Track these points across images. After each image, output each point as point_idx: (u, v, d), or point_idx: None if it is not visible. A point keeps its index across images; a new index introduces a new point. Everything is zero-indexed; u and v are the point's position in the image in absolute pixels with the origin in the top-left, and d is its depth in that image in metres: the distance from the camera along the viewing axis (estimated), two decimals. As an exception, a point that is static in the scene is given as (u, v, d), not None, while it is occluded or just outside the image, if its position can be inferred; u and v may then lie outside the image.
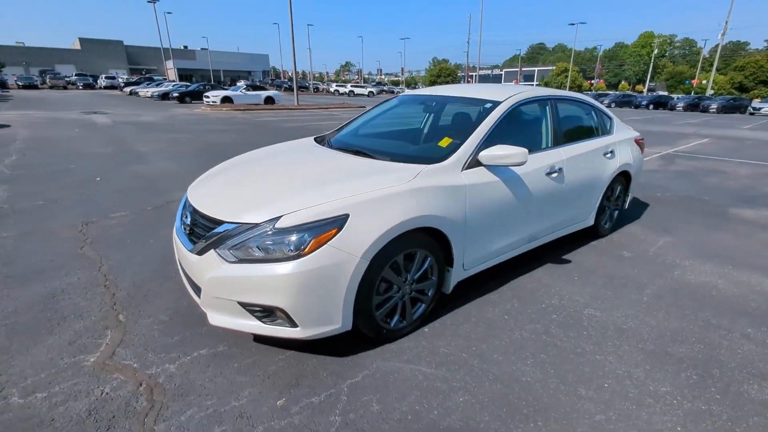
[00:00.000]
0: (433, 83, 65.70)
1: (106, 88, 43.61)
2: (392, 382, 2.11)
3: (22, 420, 1.83)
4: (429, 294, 2.56)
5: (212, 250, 2.10)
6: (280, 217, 2.03)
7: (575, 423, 1.88)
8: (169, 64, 63.61)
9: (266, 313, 2.06)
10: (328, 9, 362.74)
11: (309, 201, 2.11)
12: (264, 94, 23.69)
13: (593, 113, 3.95)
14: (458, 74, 74.70)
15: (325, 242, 1.99)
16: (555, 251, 3.75)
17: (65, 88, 43.78)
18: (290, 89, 50.37)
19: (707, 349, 2.42)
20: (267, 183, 2.45)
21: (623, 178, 4.17)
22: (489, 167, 2.69)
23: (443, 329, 2.57)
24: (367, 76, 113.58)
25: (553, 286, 3.15)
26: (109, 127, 12.67)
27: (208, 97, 22.28)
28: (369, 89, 49.62)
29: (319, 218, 2.03)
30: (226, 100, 22.33)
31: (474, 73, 65.12)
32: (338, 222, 2.04)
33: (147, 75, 49.54)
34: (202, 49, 68.87)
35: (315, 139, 3.46)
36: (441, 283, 2.62)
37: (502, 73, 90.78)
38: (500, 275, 3.27)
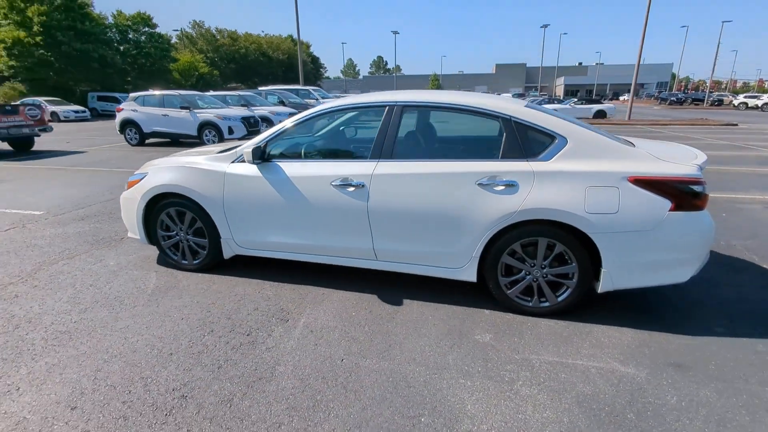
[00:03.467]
0: None
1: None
2: (118, 280, 3.26)
3: (99, 232, 4.43)
4: (205, 250, 3.31)
5: None
6: (138, 170, 3.59)
7: None
8: (560, 80, 66.63)
9: (128, 220, 3.71)
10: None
11: (152, 163, 3.52)
12: (595, 107, 21.61)
13: (511, 126, 2.57)
14: None
15: (133, 186, 3.38)
16: (412, 294, 2.99)
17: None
18: (677, 102, 41.33)
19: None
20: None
21: (570, 235, 2.44)
22: (258, 164, 2.98)
23: (194, 280, 3.26)
24: None
25: (300, 305, 2.85)
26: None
27: (537, 110, 23.06)
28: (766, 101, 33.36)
29: (137, 172, 3.43)
30: (553, 113, 22.20)
31: None
32: (142, 176, 3.36)
33: (519, 93, 54.32)
34: (596, 63, 67.14)
35: None
36: (217, 248, 3.26)
37: None
38: (304, 281, 3.23)
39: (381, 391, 2.02)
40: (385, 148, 2.77)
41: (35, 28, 30.25)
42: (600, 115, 21.48)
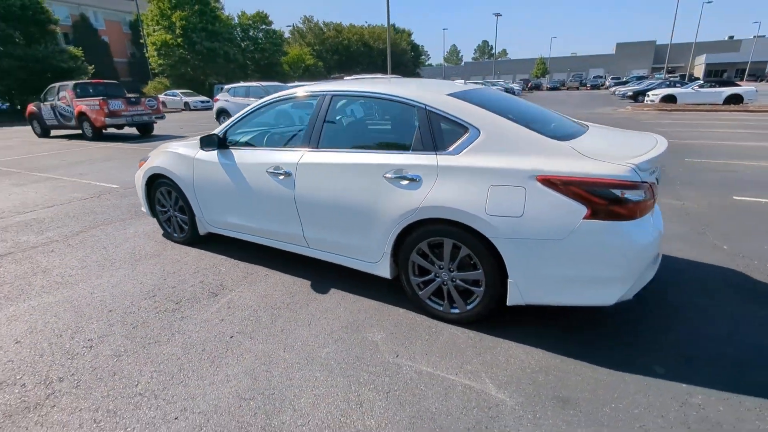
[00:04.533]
0: None
1: (592, 87, 48.25)
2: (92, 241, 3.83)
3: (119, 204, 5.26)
4: (187, 226, 3.71)
5: None
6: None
7: None
8: (701, 58, 56.02)
9: (148, 194, 4.32)
10: None
11: (161, 146, 4.05)
12: (726, 91, 17.56)
13: (426, 116, 2.35)
14: None
15: (141, 166, 3.94)
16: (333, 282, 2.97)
17: (577, 89, 50.52)
18: None
19: (122, 362, 2.17)
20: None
21: (475, 239, 2.16)
22: (218, 151, 3.23)
23: (176, 251, 3.68)
24: None
25: (239, 282, 3.02)
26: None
27: (648, 95, 19.76)
28: None
29: (149, 154, 3.98)
30: (669, 98, 18.78)
31: None
32: (145, 158, 3.89)
33: (641, 75, 46.47)
34: (754, 36, 54.30)
35: None
36: (194, 224, 3.64)
37: None
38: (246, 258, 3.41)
39: (238, 371, 2.11)
40: (312, 138, 2.78)
41: (177, 31, 35.77)
42: (733, 100, 17.50)
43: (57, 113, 13.07)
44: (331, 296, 2.84)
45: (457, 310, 2.42)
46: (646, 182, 1.96)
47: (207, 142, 3.12)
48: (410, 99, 2.46)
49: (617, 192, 1.89)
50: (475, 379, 2.00)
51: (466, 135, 2.25)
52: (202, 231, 3.63)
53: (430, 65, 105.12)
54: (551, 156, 2.06)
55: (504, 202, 2.06)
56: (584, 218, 1.93)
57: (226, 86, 14.00)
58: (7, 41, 24.33)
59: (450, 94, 2.44)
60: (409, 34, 67.48)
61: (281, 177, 2.84)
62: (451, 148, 2.28)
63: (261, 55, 43.45)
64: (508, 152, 2.14)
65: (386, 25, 67.60)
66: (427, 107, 2.38)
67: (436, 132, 2.34)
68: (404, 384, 1.99)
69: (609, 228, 1.91)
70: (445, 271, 2.38)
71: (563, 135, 2.28)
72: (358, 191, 2.52)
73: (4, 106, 26.50)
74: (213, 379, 2.06)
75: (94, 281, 3.15)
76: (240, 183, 3.08)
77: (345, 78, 19.46)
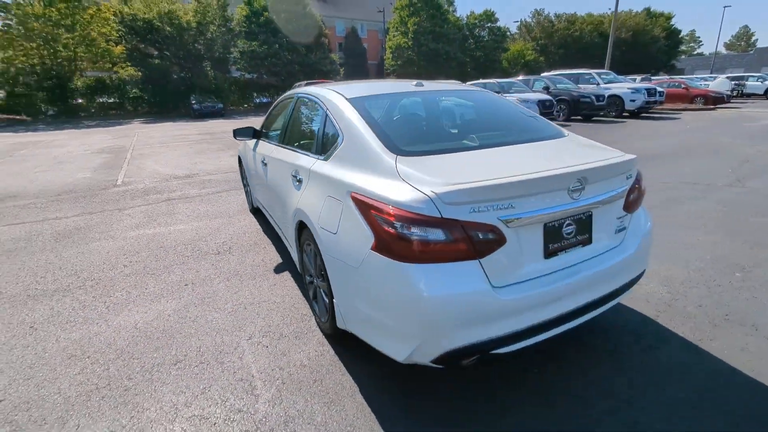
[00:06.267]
0: None
1: None
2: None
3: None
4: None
5: None
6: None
7: None
8: None
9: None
10: None
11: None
12: None
13: (324, 119, 2.25)
14: None
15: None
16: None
17: None
18: None
19: (125, 279, 3.12)
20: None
21: (316, 244, 2.00)
22: (253, 141, 3.89)
23: (239, 217, 4.59)
24: None
25: (242, 249, 3.57)
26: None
27: None
28: None
29: None
30: None
31: None
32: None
33: None
34: None
35: None
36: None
37: None
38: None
39: (159, 308, 2.71)
40: (282, 134, 3.08)
41: (410, 35, 40.13)
42: None
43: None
44: (277, 277, 3.11)
45: (322, 319, 2.31)
46: (455, 220, 1.42)
47: (237, 132, 3.82)
48: (322, 102, 2.42)
49: (398, 224, 1.46)
50: (269, 382, 1.96)
51: (337, 141, 2.10)
52: (255, 204, 4.45)
53: (701, 54, 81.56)
54: (374, 172, 1.72)
55: (328, 215, 1.88)
56: (371, 249, 1.57)
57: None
58: (295, 52, 33.01)
59: (352, 98, 2.25)
60: (667, 18, 54.25)
61: (265, 165, 3.26)
62: (327, 153, 2.17)
63: (481, 53, 43.87)
64: (352, 163, 1.90)
65: (636, 10, 56.28)
66: (327, 111, 2.31)
67: (326, 136, 2.27)
68: (218, 362, 2.14)
69: (388, 266, 1.50)
70: (316, 276, 2.31)
71: (442, 149, 1.84)
72: (282, 186, 2.70)
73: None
74: (144, 308, 2.72)
75: (182, 226, 4.40)
76: (256, 168, 3.66)
77: (543, 75, 17.77)
